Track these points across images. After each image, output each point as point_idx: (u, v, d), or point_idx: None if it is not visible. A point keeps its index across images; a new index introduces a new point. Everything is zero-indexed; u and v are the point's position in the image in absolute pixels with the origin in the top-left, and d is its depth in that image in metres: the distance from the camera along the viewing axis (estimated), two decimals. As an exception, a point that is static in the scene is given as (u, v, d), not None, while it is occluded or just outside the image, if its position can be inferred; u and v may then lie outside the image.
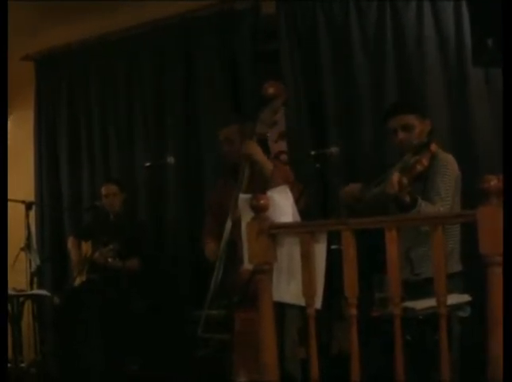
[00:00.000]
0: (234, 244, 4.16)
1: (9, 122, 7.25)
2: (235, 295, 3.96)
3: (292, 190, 3.23)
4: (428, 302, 3.22)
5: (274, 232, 2.88)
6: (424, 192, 3.90)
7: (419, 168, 3.78)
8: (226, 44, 5.97)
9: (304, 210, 3.63)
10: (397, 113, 4.16)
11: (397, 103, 4.70)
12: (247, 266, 2.97)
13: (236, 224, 3.86)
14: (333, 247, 3.57)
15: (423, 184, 3.95)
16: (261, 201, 2.85)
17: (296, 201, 3.30)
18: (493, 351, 2.42)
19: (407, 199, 3.68)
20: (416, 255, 3.93)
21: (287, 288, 2.95)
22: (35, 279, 6.13)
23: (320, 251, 2.85)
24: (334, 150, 4.16)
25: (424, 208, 3.74)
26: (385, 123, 4.21)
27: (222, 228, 4.36)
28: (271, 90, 4.34)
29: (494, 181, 2.40)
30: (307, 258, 2.82)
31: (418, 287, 3.65)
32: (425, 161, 3.82)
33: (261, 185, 4.05)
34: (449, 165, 3.96)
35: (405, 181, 3.63)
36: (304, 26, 5.55)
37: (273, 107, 4.39)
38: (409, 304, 3.42)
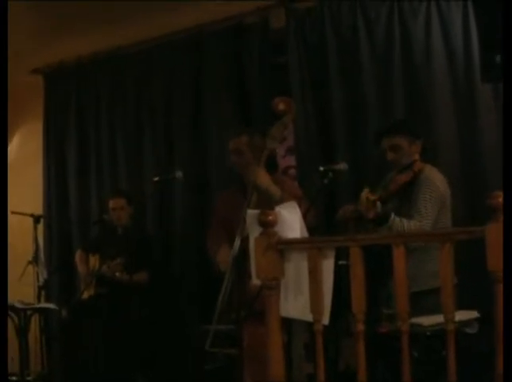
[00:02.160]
0: (243, 259, 4.15)
1: (17, 135, 7.30)
2: (243, 310, 3.95)
3: (299, 206, 3.23)
4: (436, 319, 3.21)
5: (282, 248, 2.89)
6: (409, 209, 4.06)
7: (393, 186, 4.10)
8: (235, 59, 5.98)
9: (311, 226, 3.62)
10: (386, 134, 4.33)
11: (387, 124, 4.77)
12: (255, 281, 2.97)
13: (245, 239, 3.85)
14: (341, 262, 3.56)
15: (409, 201, 4.11)
16: (269, 217, 2.85)
17: (304, 217, 3.30)
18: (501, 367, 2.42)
19: (370, 215, 3.88)
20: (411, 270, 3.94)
21: (294, 303, 2.94)
22: (42, 293, 6.14)
23: (328, 266, 2.85)
24: (343, 165, 4.17)
25: (399, 223, 3.94)
26: (379, 143, 4.37)
27: (232, 241, 4.36)
28: (281, 106, 4.34)
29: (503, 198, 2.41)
30: (314, 273, 2.82)
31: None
32: (401, 180, 4.10)
33: (269, 203, 4.04)
34: (433, 185, 4.08)
35: (371, 197, 3.84)
36: (313, 40, 5.55)
37: (283, 123, 4.39)
38: (417, 320, 3.42)
